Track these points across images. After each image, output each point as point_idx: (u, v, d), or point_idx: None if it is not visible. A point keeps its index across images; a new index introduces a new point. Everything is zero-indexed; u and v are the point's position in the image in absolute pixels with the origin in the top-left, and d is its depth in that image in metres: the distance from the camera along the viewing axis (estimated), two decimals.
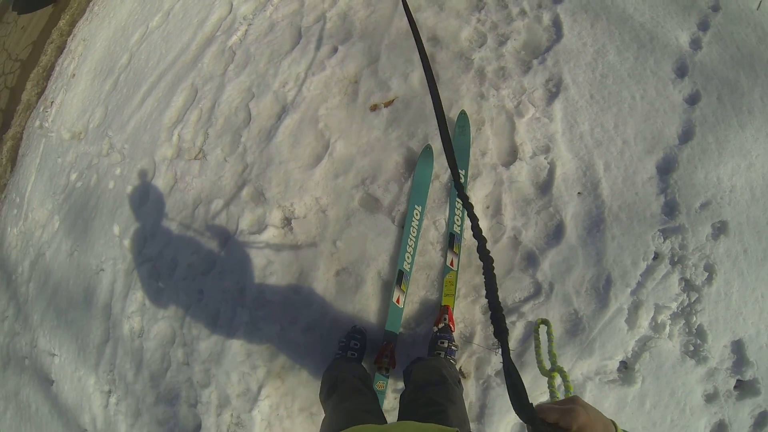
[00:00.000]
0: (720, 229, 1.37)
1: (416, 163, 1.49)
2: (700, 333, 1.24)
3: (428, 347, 1.26)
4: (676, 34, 1.72)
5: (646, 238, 1.34)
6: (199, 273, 1.71)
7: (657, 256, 1.33)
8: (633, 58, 1.66)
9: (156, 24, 2.85)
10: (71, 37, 3.65)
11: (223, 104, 2.07)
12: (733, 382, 1.16)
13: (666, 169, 1.47)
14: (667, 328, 1.25)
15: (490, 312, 0.44)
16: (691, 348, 1.23)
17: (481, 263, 0.49)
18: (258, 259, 1.61)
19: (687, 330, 1.24)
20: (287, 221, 1.65)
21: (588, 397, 1.23)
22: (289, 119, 1.85)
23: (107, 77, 2.84)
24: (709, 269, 1.30)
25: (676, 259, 1.33)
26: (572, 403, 0.43)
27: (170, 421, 1.53)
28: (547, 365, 0.55)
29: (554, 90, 1.63)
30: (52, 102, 3.14)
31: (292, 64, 2.01)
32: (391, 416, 1.23)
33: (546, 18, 1.81)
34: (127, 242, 2.03)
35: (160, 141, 2.18)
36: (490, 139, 1.57)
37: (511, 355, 0.42)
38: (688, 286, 1.28)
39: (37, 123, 3.19)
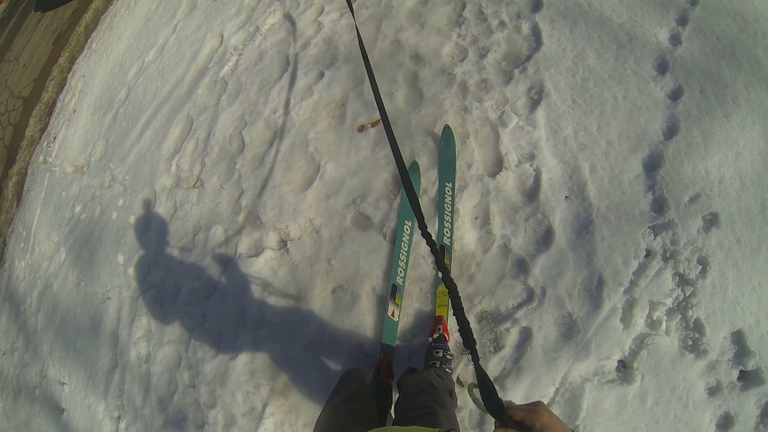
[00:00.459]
0: (711, 221, 1.48)
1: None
2: (698, 326, 1.32)
3: (424, 358, 1.39)
4: (655, 32, 1.89)
5: (636, 236, 1.47)
6: (201, 297, 1.94)
7: (649, 254, 1.44)
8: (613, 59, 1.83)
9: (151, 58, 3.22)
10: (71, 73, 4.09)
11: (218, 133, 2.36)
12: (735, 373, 1.23)
13: (652, 166, 1.60)
14: (664, 324, 1.34)
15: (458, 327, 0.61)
16: (690, 342, 1.31)
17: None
18: (257, 281, 1.83)
19: (684, 325, 1.33)
20: (283, 243, 1.86)
21: (587, 399, 1.29)
22: (281, 145, 2.11)
23: (107, 111, 3.20)
24: (703, 262, 1.40)
25: (668, 255, 1.43)
26: (537, 405, 0.53)
27: None
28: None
29: (536, 97, 1.80)
30: (54, 137, 3.54)
31: (281, 91, 2.30)
32: None
33: (525, 27, 2.02)
34: (131, 270, 2.29)
35: (160, 171, 2.47)
36: (475, 150, 1.75)
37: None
38: (682, 280, 1.38)
39: (41, 158, 3.57)
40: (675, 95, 1.72)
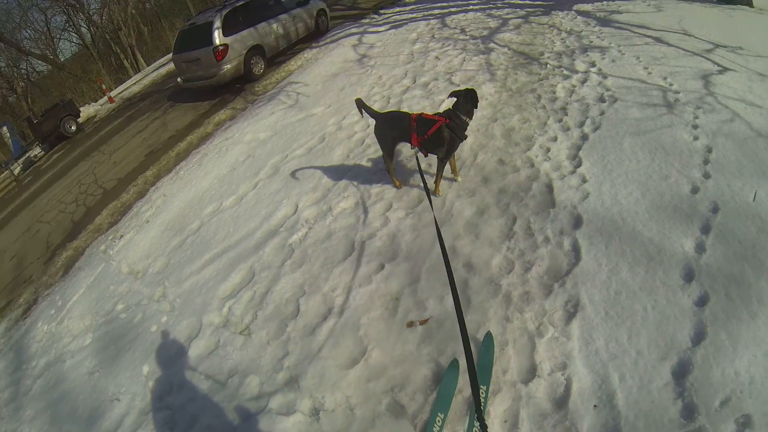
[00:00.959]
0: (744, 424, 1.95)
1: (443, 375, 2.48)
2: None
3: None
4: (681, 242, 2.81)
5: None
6: None
7: None
8: (643, 272, 2.69)
9: (229, 204, 4.72)
10: (154, 188, 6.02)
11: (276, 293, 3.39)
12: None
13: (681, 372, 2.20)
14: None
15: None
16: None
17: None
18: None
19: None
20: (316, 411, 2.58)
21: None
22: (333, 321, 3.02)
23: (176, 235, 4.62)
24: None
25: None
26: None
27: None
28: None
29: (572, 311, 2.62)
30: (121, 236, 5.09)
31: (342, 273, 3.38)
32: None
33: (566, 243, 3.02)
34: (152, 383, 3.12)
35: (211, 307, 3.48)
36: (511, 358, 2.49)
37: None
38: None
39: (102, 247, 5.05)
40: (701, 302, 2.47)
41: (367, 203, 4.07)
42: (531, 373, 2.49)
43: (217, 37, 8.57)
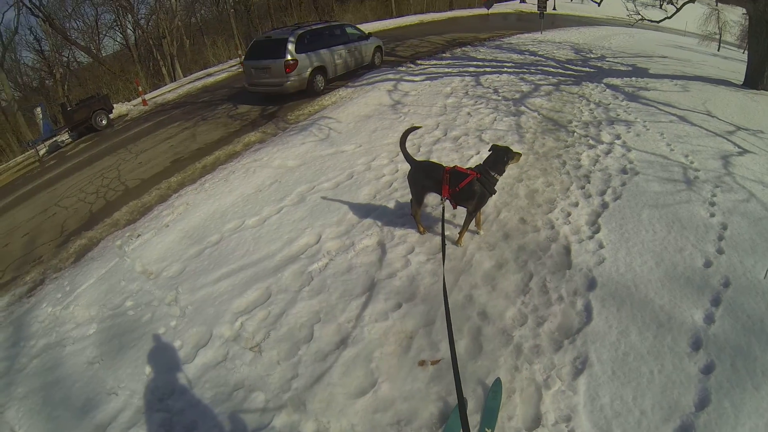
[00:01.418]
0: None
1: (449, 417, 2.57)
2: None
3: None
4: (691, 312, 2.95)
5: None
6: None
7: None
8: (652, 336, 2.82)
9: (251, 224, 4.84)
10: (177, 194, 6.13)
11: (291, 317, 3.48)
12: None
13: None
14: None
15: None
16: None
17: None
18: None
19: None
20: None
21: None
22: (346, 351, 3.09)
23: (195, 244, 4.72)
24: None
25: None
26: None
27: None
28: None
29: (580, 367, 2.73)
30: (139, 235, 5.14)
31: (360, 306, 3.47)
32: None
33: (579, 303, 3.16)
34: (153, 384, 3.13)
35: (223, 320, 3.55)
36: (518, 406, 2.57)
37: None
38: None
39: (119, 242, 5.09)
40: (707, 370, 2.61)
41: (390, 244, 4.23)
42: (536, 422, 2.60)
43: (290, 52, 9.86)
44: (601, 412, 2.57)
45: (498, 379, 2.81)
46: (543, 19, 19.70)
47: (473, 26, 22.39)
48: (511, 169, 5.22)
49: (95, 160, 9.64)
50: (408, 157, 4.02)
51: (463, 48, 15.20)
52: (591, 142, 6.30)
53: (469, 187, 3.69)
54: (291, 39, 10.02)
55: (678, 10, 11.79)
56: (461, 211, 4.11)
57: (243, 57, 12.31)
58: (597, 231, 4.14)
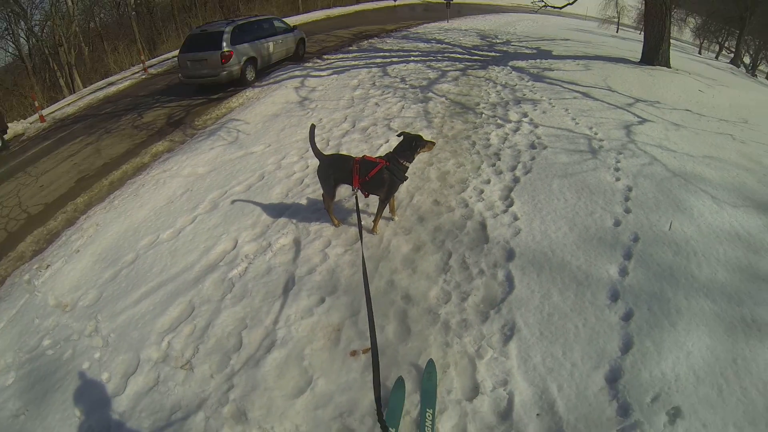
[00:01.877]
0: (675, 415, 2.39)
1: (390, 394, 2.77)
2: None
3: None
4: (606, 268, 3.31)
5: None
6: None
7: None
8: (573, 295, 3.13)
9: (166, 237, 4.82)
10: (85, 216, 5.98)
11: (217, 327, 3.51)
12: None
13: (613, 378, 2.61)
14: None
15: None
16: None
17: None
18: None
19: None
20: None
21: None
22: (277, 353, 3.16)
23: (109, 266, 4.65)
24: None
25: None
26: None
27: None
28: None
29: (509, 333, 2.99)
30: (48, 265, 4.97)
31: (284, 307, 3.56)
32: None
33: (500, 274, 3.41)
34: (86, 426, 3.05)
35: (149, 342, 3.50)
36: (454, 379, 2.77)
37: None
38: None
39: (26, 277, 4.91)
40: (627, 317, 2.95)
41: (307, 240, 4.32)
42: (474, 391, 2.80)
43: (225, 44, 11.08)
44: (535, 371, 2.84)
45: (431, 360, 3.00)
46: (450, 9, 20.71)
47: (380, 18, 23.09)
48: (421, 154, 5.53)
49: None
50: (317, 152, 4.15)
51: (370, 40, 15.79)
52: (499, 121, 6.71)
53: (379, 176, 3.85)
54: (226, 32, 11.21)
55: None
56: (374, 200, 4.29)
57: (144, 63, 13.69)
58: (510, 204, 4.44)
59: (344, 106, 8.31)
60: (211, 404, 3.04)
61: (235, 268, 4.17)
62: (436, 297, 3.52)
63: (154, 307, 3.95)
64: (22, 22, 24.52)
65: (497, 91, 8.28)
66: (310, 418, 2.85)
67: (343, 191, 4.74)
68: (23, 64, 25.90)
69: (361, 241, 3.28)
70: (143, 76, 15.44)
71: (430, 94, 8.39)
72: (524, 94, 7.96)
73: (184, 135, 8.81)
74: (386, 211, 4.30)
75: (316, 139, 3.78)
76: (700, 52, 28.36)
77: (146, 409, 3.11)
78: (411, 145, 3.85)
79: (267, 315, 3.61)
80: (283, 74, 11.31)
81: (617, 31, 26.64)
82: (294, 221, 4.66)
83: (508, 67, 10.05)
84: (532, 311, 3.24)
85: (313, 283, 3.79)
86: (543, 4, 13.49)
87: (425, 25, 19.37)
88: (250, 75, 11.95)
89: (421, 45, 13.77)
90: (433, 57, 11.61)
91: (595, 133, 5.98)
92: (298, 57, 14.22)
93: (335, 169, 4.11)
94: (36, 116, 13.57)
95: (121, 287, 4.35)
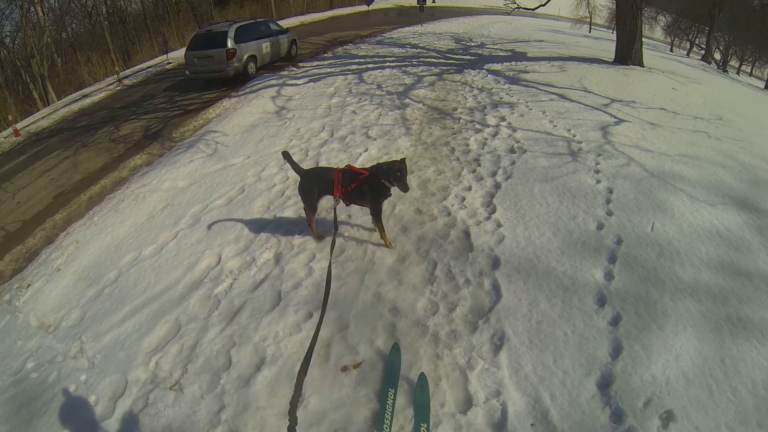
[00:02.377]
0: (668, 418, 2.43)
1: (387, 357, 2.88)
2: None
3: None
4: (592, 273, 3.35)
5: None
6: None
7: None
8: (560, 301, 3.15)
9: (149, 254, 4.74)
10: (65, 233, 5.88)
11: (205, 345, 3.44)
12: None
13: (605, 384, 2.64)
14: None
15: None
16: None
17: None
18: None
19: None
20: None
21: None
22: (267, 371, 3.12)
23: (92, 285, 4.56)
24: None
25: None
26: None
27: None
28: None
29: (499, 343, 3.00)
30: (28, 285, 4.88)
31: (271, 323, 3.51)
32: None
33: (487, 283, 3.43)
34: None
35: (137, 363, 3.42)
36: (447, 392, 2.76)
37: None
38: None
39: (7, 297, 4.79)
40: (615, 321, 2.99)
41: (291, 254, 4.29)
42: (467, 403, 2.81)
43: (230, 42, 12.49)
44: (527, 380, 2.86)
45: (422, 374, 3.01)
46: (423, 12, 20.88)
47: (354, 24, 23.27)
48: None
49: None
50: (296, 168, 4.15)
51: (345, 46, 15.91)
52: (477, 126, 6.77)
53: (360, 187, 3.87)
54: (231, 31, 12.64)
55: None
56: (356, 211, 4.40)
57: (119, 74, 15.05)
58: (493, 211, 4.48)
59: (322, 114, 8.31)
60: (202, 426, 3.00)
61: (220, 285, 4.13)
62: (424, 308, 3.52)
63: (139, 327, 3.89)
64: None
65: (474, 96, 8.36)
66: None
67: (325, 203, 4.71)
68: None
69: (332, 250, 3.39)
70: (118, 88, 15.33)
71: (407, 101, 8.43)
72: (501, 98, 8.04)
73: (162, 148, 8.75)
74: (369, 222, 4.37)
75: (294, 150, 3.68)
76: (671, 50, 29.11)
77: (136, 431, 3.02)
78: (393, 172, 3.83)
79: (255, 332, 3.57)
80: (259, 83, 11.31)
81: (590, 31, 27.17)
82: (277, 235, 4.65)
83: (484, 71, 10.16)
84: (521, 319, 3.26)
85: (300, 298, 3.77)
86: (516, 6, 13.64)
87: (399, 29, 19.47)
88: (252, 70, 13.32)
89: (396, 50, 13.81)
90: (409, 62, 11.67)
91: (574, 135, 6.04)
92: (290, 57, 15.59)
93: (318, 182, 4.09)
94: (10, 130, 13.28)
95: (105, 306, 4.29)
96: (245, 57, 12.95)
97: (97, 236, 5.53)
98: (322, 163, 6.00)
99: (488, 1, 26.56)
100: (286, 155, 4.18)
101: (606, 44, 15.61)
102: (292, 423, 1.82)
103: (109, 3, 30.66)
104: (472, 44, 14.38)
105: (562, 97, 7.80)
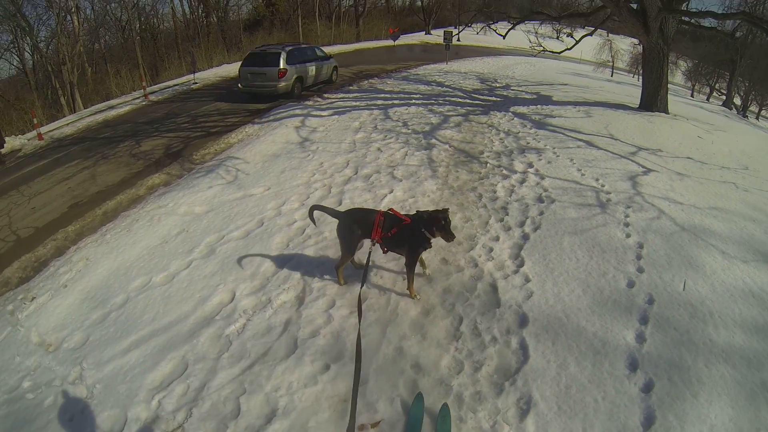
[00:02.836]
0: None
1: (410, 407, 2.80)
2: None
3: None
4: (623, 334, 3.19)
5: None
6: None
7: None
8: (591, 365, 2.97)
9: (159, 281, 4.58)
10: (75, 247, 5.76)
11: (213, 389, 3.27)
12: None
13: None
14: None
15: None
16: None
17: None
18: None
19: None
20: None
21: None
22: (279, 424, 2.95)
23: (98, 307, 4.42)
24: None
25: None
26: None
27: None
28: None
29: (525, 407, 2.83)
30: (33, 298, 4.74)
31: (285, 372, 3.32)
32: None
33: (514, 342, 3.27)
34: None
35: (138, 399, 3.25)
36: None
37: None
38: None
39: (10, 307, 4.64)
40: (647, 388, 2.83)
41: (309, 298, 4.14)
42: None
43: (282, 63, 13.76)
44: None
45: (445, 404, 3.02)
46: (448, 50, 21.18)
47: (380, 58, 23.52)
48: (427, 207, 5.44)
49: None
50: (333, 213, 4.04)
51: (371, 80, 16.08)
52: (504, 172, 6.66)
53: (401, 234, 3.73)
54: (283, 53, 13.86)
55: (577, 42, 13.43)
56: (378, 255, 4.26)
57: (145, 89, 16.33)
58: (521, 264, 4.31)
59: (346, 149, 8.26)
60: None
61: (232, 324, 3.96)
62: (448, 367, 3.37)
63: (144, 360, 3.73)
64: (28, 38, 24.75)
65: (500, 139, 8.31)
66: None
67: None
68: (26, 78, 26.11)
69: (359, 308, 3.25)
70: (143, 103, 15.51)
71: (434, 141, 8.38)
72: (528, 143, 7.97)
73: (181, 169, 8.72)
74: (393, 267, 4.29)
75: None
76: (692, 95, 29.29)
77: None
78: (437, 221, 3.71)
79: (267, 380, 3.39)
80: (283, 112, 11.31)
81: (612, 75, 27.31)
82: (296, 275, 4.49)
83: (510, 113, 10.12)
84: (549, 383, 3.11)
85: (317, 348, 3.61)
86: (542, 48, 13.82)
87: (424, 66, 19.63)
88: (298, 91, 14.49)
89: (422, 87, 13.89)
90: (435, 100, 11.71)
91: (602, 186, 5.95)
92: (331, 81, 16.84)
93: (360, 224, 3.95)
94: (34, 133, 13.37)
95: (110, 332, 4.14)
96: (293, 78, 14.14)
97: (108, 255, 5.42)
98: (346, 202, 5.87)
99: (513, 42, 26.82)
100: (317, 208, 4.14)
101: (629, 89, 15.60)
102: None
103: (142, 20, 31.40)
104: (497, 85, 14.43)
105: (589, 144, 7.73)
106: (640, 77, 12.12)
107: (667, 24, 10.10)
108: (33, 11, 24.96)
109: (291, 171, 7.37)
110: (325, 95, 13.55)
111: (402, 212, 3.78)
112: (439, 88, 13.82)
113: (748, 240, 4.63)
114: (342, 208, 4.58)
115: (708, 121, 11.03)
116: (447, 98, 12.06)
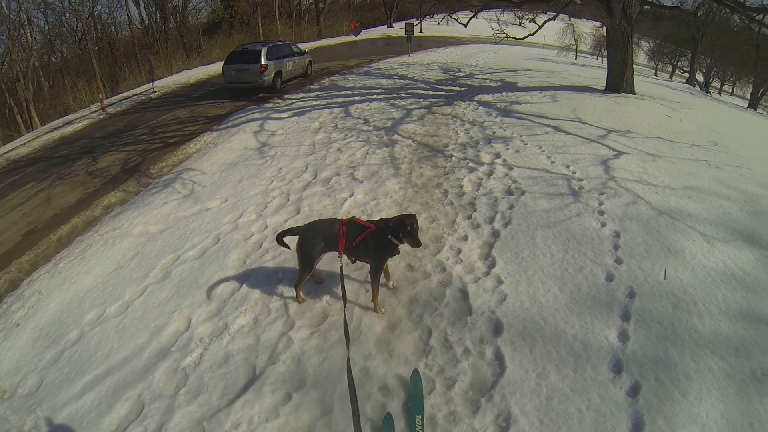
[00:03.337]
0: None
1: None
2: None
3: None
4: (605, 334, 3.04)
5: None
6: None
7: None
8: (572, 372, 2.82)
9: (113, 312, 4.36)
10: (29, 279, 5.51)
11: (171, 431, 3.04)
12: None
13: None
14: None
15: None
16: None
17: None
18: None
19: None
20: None
21: None
22: None
23: (51, 346, 4.22)
24: None
25: None
26: None
27: None
28: None
29: (504, 425, 2.68)
30: None
31: (245, 405, 3.10)
32: None
33: (488, 353, 3.08)
34: None
35: None
36: None
37: None
38: None
39: None
40: (633, 391, 2.74)
41: (267, 320, 3.91)
42: None
43: (263, 59, 14.99)
44: None
45: (415, 370, 3.10)
46: (410, 42, 21.10)
47: (342, 54, 23.43)
48: (389, 208, 5.18)
49: None
50: (293, 231, 3.89)
51: (332, 77, 16.13)
52: (471, 164, 6.49)
53: (365, 241, 3.56)
54: (264, 50, 15.12)
55: (540, 27, 13.60)
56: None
57: (103, 102, 17.08)
58: (492, 265, 4.14)
59: (305, 152, 8.04)
60: None
61: (189, 355, 3.74)
62: None
63: (99, 402, 3.52)
64: None
65: (465, 130, 8.17)
66: None
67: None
68: None
69: (346, 335, 3.00)
70: (101, 116, 15.13)
71: (396, 137, 8.20)
72: (494, 132, 7.83)
73: (138, 185, 8.44)
74: (356, 278, 4.06)
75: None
76: (656, 74, 30.31)
77: None
78: (403, 227, 3.53)
79: (227, 417, 3.17)
80: (241, 117, 11.02)
81: (576, 59, 27.75)
82: (253, 295, 4.27)
83: (475, 102, 9.99)
84: (529, 395, 2.94)
85: (277, 376, 3.38)
86: (505, 35, 13.77)
87: (387, 59, 19.60)
88: (278, 84, 15.68)
89: (384, 81, 13.78)
90: (397, 94, 11.54)
91: (573, 172, 5.84)
92: (307, 75, 18.26)
93: (323, 237, 3.75)
94: None
95: (64, 373, 3.92)
96: (273, 72, 15.33)
97: (61, 286, 5.15)
98: (304, 210, 5.66)
99: (476, 31, 26.88)
100: (284, 234, 3.99)
101: (594, 71, 15.69)
102: None
103: (99, 29, 30.82)
104: (461, 74, 14.36)
105: (557, 129, 7.63)
106: (605, 59, 12.15)
107: (629, 5, 10.17)
108: None
109: (249, 180, 7.13)
110: (285, 96, 13.41)
111: (364, 218, 3.47)
112: (402, 81, 13.72)
113: (724, 219, 4.58)
114: (301, 217, 4.54)
115: (674, 99, 11.12)
116: (409, 91, 11.89)
